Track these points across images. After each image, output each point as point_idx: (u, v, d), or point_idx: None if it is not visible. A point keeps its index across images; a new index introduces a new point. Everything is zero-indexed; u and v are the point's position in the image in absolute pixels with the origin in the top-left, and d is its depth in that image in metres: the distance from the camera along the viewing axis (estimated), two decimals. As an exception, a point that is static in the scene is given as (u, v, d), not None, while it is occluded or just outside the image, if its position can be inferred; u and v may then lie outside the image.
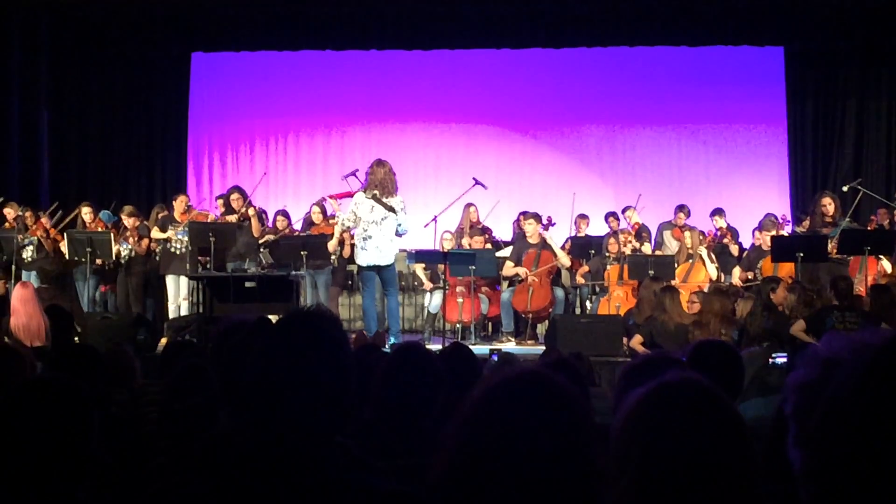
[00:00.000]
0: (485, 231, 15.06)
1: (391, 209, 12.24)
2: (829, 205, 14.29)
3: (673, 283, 13.11)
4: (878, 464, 1.61)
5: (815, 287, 11.90)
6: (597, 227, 15.96)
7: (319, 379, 2.46)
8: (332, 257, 14.12)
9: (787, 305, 11.45)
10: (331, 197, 14.34)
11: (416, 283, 15.81)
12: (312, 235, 14.05)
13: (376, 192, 12.29)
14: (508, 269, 14.16)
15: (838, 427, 1.65)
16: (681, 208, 15.39)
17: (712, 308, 11.11)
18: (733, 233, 15.26)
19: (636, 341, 11.69)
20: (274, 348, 2.52)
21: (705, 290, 13.23)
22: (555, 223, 14.71)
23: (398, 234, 12.50)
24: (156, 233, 14.53)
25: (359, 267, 12.75)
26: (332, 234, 13.86)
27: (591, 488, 2.26)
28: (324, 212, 14.77)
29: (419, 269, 14.88)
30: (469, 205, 15.30)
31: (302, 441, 2.44)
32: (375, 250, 12.29)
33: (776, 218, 14.80)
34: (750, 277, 13.94)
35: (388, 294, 12.77)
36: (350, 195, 13.11)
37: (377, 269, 12.47)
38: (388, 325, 12.92)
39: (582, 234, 15.50)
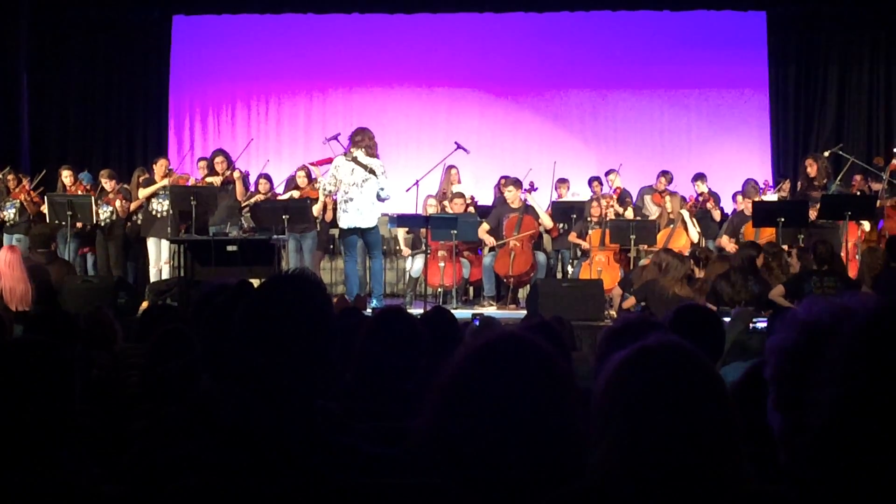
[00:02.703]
0: (464, 195, 15.01)
1: (371, 171, 12.21)
2: (810, 166, 14.38)
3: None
4: (860, 432, 1.63)
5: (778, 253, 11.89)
6: (578, 192, 15.98)
7: (302, 342, 2.46)
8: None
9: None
10: (312, 164, 14.27)
11: (397, 248, 15.80)
12: (293, 199, 14.02)
13: (357, 154, 12.27)
14: (482, 231, 14.14)
15: (826, 394, 1.66)
16: (664, 174, 15.43)
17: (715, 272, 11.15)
18: (715, 198, 15.29)
19: (628, 303, 11.74)
20: (257, 311, 2.52)
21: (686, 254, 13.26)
22: (537, 188, 14.71)
23: (380, 199, 12.47)
24: (143, 191, 14.42)
25: (341, 230, 12.73)
26: (317, 199, 13.88)
27: (573, 450, 2.27)
28: (309, 175, 14.74)
29: (400, 234, 14.89)
30: (450, 167, 15.28)
31: (284, 403, 2.44)
32: (356, 212, 12.27)
33: (756, 183, 14.85)
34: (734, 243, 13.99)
35: (373, 257, 12.76)
36: (331, 161, 13.06)
37: (360, 233, 12.45)
38: (370, 288, 12.91)
39: (564, 199, 15.50)
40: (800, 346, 1.71)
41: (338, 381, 4.19)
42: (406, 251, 14.63)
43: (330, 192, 12.82)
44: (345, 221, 12.41)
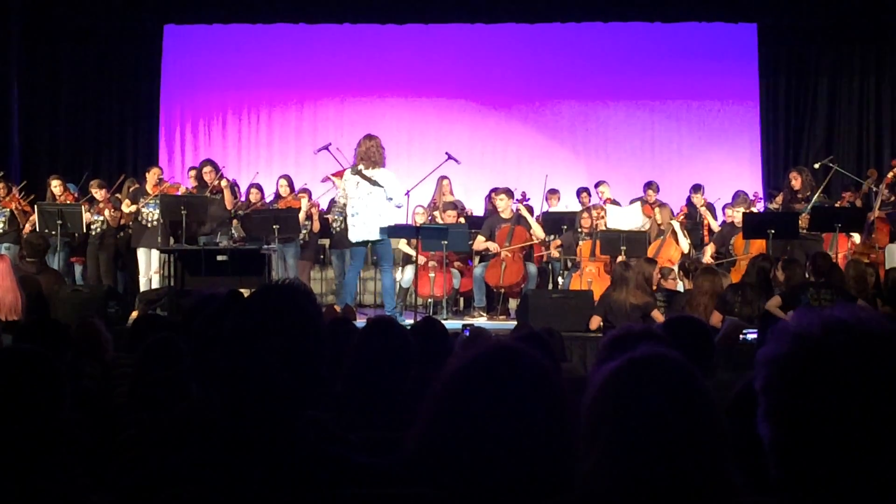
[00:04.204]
0: (456, 206, 15.00)
1: (375, 183, 12.18)
2: (794, 179, 14.40)
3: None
4: (843, 439, 1.64)
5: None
6: (568, 203, 16.01)
7: (293, 352, 2.46)
8: (303, 231, 14.12)
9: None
10: (331, 176, 14.12)
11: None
12: (283, 209, 14.02)
13: (360, 166, 12.24)
14: (479, 243, 14.12)
15: (807, 401, 1.67)
16: (649, 185, 15.49)
17: (702, 287, 11.16)
18: (710, 209, 15.31)
19: (594, 322, 11.72)
20: (248, 321, 2.52)
21: (676, 265, 13.30)
22: (529, 198, 14.72)
23: (397, 206, 12.53)
24: (125, 206, 14.44)
25: (351, 243, 12.67)
26: (300, 208, 13.87)
27: (564, 461, 2.27)
28: (291, 185, 14.75)
29: (402, 243, 14.84)
30: (442, 178, 15.29)
31: (275, 414, 2.44)
32: (363, 226, 12.22)
33: (747, 195, 14.87)
34: (721, 252, 14.01)
35: (383, 270, 12.66)
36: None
37: (369, 245, 12.43)
38: (382, 302, 12.92)
39: (554, 210, 15.53)
40: (790, 357, 1.71)
41: (328, 392, 4.19)
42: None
43: (344, 205, 12.75)
44: (353, 235, 12.37)
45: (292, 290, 2.61)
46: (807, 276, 11.25)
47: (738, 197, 14.80)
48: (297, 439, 2.44)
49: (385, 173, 12.30)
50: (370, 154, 12.27)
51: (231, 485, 2.37)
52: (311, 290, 2.88)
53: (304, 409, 2.52)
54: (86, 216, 14.22)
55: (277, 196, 14.75)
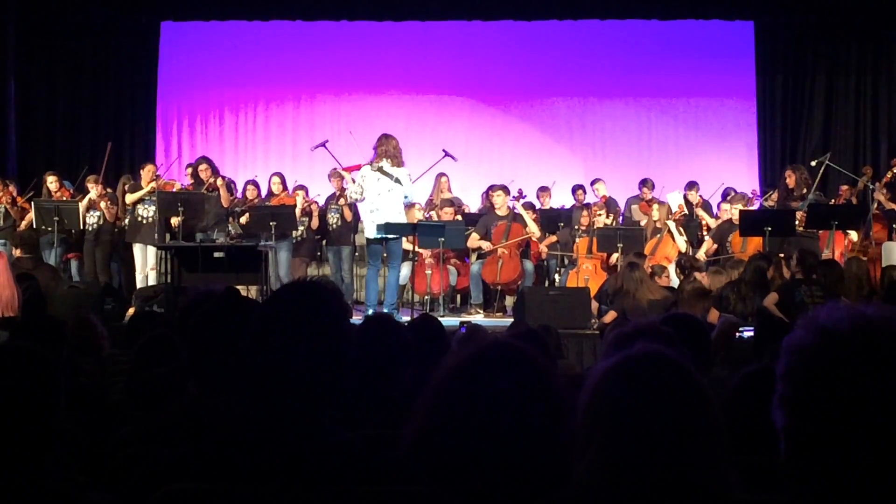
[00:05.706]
0: (454, 203, 15.01)
1: (397, 181, 12.20)
2: (789, 177, 14.42)
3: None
4: (857, 434, 1.66)
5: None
6: (563, 199, 16.02)
7: (318, 350, 2.44)
8: (300, 228, 14.12)
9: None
10: (343, 170, 14.06)
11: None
12: (281, 206, 14.01)
13: (382, 164, 12.24)
14: (473, 241, 14.12)
15: (826, 393, 1.69)
16: (644, 183, 15.49)
17: (689, 289, 11.14)
18: (706, 206, 15.31)
19: (609, 318, 11.68)
20: (274, 318, 2.50)
21: (673, 263, 13.28)
22: (526, 195, 14.73)
23: (406, 202, 12.66)
24: (129, 196, 14.34)
25: (367, 240, 12.68)
26: (295, 205, 13.88)
27: (559, 457, 2.27)
28: (283, 182, 14.75)
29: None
30: (440, 175, 15.30)
31: (298, 411, 2.42)
32: (383, 222, 12.22)
33: (735, 192, 14.89)
34: (719, 250, 14.00)
35: (391, 266, 12.68)
36: (360, 168, 12.96)
37: (384, 242, 12.44)
38: (382, 297, 12.91)
39: (546, 207, 15.54)
40: (816, 349, 1.73)
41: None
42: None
43: (356, 200, 12.78)
44: (371, 231, 12.37)
45: (319, 288, 2.59)
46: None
47: (730, 194, 14.82)
48: (321, 437, 2.43)
49: (404, 172, 12.34)
50: (396, 153, 12.31)
51: (229, 482, 2.36)
52: (339, 288, 2.88)
53: (328, 407, 2.50)
54: (85, 203, 14.21)
55: (270, 193, 14.74)
